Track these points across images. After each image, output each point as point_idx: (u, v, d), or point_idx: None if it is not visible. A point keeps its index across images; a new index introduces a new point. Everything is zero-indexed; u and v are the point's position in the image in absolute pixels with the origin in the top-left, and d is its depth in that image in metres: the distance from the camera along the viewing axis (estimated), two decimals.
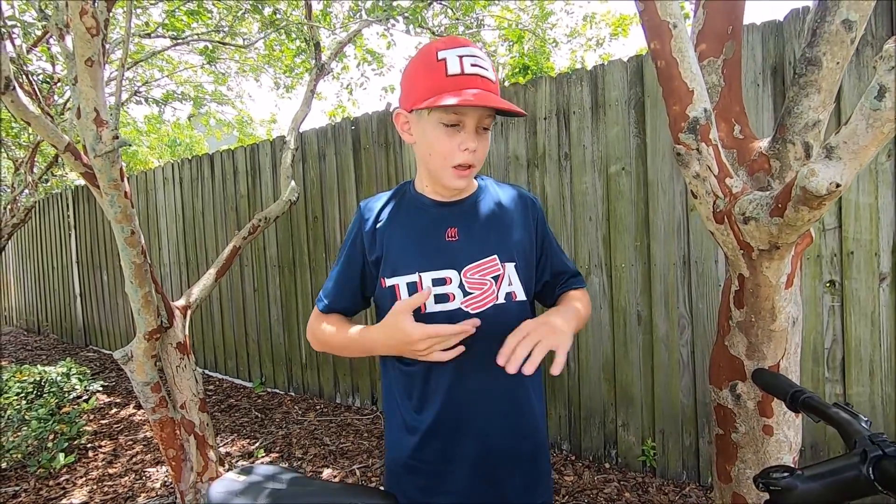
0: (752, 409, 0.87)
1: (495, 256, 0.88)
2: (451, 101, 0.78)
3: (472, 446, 0.87)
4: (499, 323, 0.85)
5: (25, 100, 1.57)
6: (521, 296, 0.90)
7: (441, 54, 0.82)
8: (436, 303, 0.86)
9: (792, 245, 0.70)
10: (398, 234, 0.91)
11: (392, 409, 0.95)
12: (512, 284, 0.89)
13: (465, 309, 0.86)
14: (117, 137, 1.61)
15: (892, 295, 1.79)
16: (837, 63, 0.82)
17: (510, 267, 0.89)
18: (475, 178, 0.99)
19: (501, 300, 0.88)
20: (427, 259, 0.88)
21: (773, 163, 0.87)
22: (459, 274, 0.87)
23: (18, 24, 2.92)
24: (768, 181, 0.88)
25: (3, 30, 1.67)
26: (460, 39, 0.85)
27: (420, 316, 0.86)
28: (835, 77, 0.83)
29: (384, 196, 0.99)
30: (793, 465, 0.90)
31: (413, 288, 0.87)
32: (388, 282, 0.90)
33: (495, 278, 0.88)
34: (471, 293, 0.87)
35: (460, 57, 0.81)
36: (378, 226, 0.93)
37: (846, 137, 0.55)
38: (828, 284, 1.88)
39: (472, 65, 0.81)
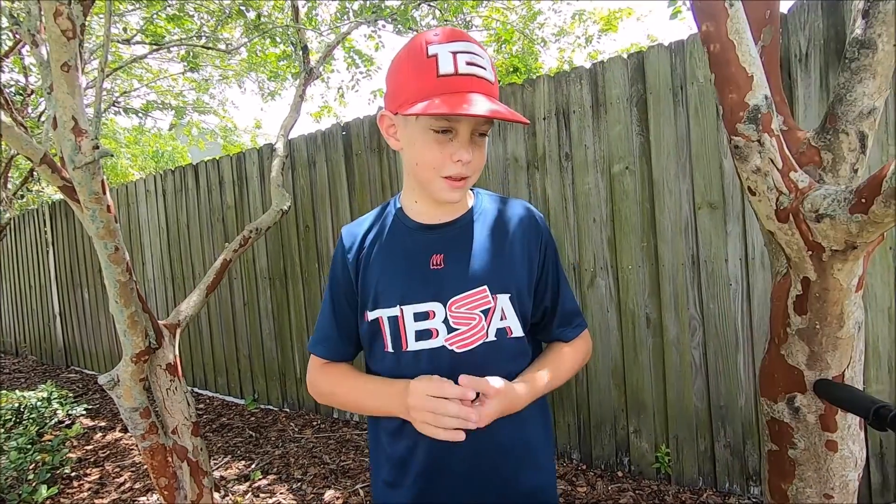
0: (814, 424, 0.80)
1: (485, 287, 0.77)
2: (441, 109, 0.66)
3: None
4: (489, 363, 0.76)
5: None
6: (517, 332, 0.79)
7: (432, 49, 0.70)
8: (417, 339, 0.76)
9: (868, 244, 0.63)
10: (380, 262, 0.81)
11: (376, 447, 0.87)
12: (506, 319, 0.78)
13: (450, 347, 0.76)
14: (98, 147, 1.50)
15: None
16: (894, 45, 0.76)
17: (503, 299, 0.78)
18: (472, 190, 0.89)
19: (492, 337, 0.77)
20: (409, 290, 0.77)
21: (823, 155, 0.81)
22: (444, 307, 0.76)
23: None
24: (819, 175, 0.81)
25: None
26: (454, 31, 0.73)
27: (402, 354, 0.78)
28: (891, 61, 0.77)
29: (367, 219, 0.89)
30: (857, 484, 0.83)
31: (395, 322, 0.77)
32: (371, 315, 0.80)
33: (485, 312, 0.77)
34: (456, 329, 0.76)
35: (454, 53, 0.69)
36: (361, 253, 0.83)
37: None
38: None
39: (468, 63, 0.69)
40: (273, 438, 3.03)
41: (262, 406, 3.60)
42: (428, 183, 0.77)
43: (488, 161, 2.52)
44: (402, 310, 0.77)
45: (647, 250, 2.17)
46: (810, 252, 0.67)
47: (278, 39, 3.52)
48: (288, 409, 3.48)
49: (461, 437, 0.67)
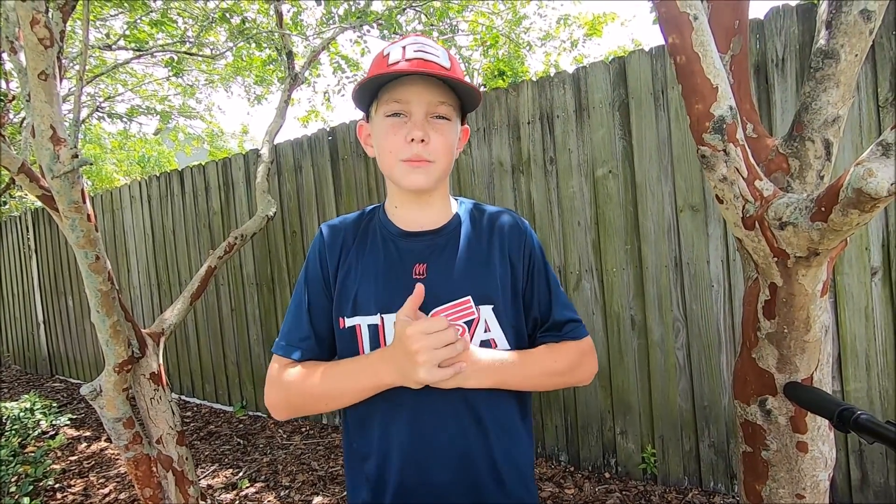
0: (785, 425, 0.81)
1: (469, 298, 0.76)
2: (374, 73, 0.73)
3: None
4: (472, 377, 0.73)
5: None
6: (502, 344, 0.77)
7: (386, 50, 0.77)
8: None
9: (831, 251, 0.65)
10: (360, 268, 0.80)
11: (349, 456, 0.82)
12: (489, 331, 0.76)
13: None
14: (77, 157, 1.48)
15: (884, 289, 1.79)
16: (856, 55, 0.78)
17: (486, 310, 0.76)
18: (456, 200, 0.88)
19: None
20: (390, 298, 0.75)
21: (791, 162, 0.83)
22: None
23: None
24: (787, 181, 0.83)
25: None
26: (411, 35, 0.80)
27: None
28: (853, 70, 0.79)
29: (349, 219, 0.87)
30: (829, 484, 0.85)
31: (374, 331, 0.75)
32: (348, 322, 0.77)
33: (468, 323, 0.76)
34: None
35: (403, 47, 0.75)
36: (341, 253, 0.82)
37: None
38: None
39: (416, 51, 0.74)
40: (261, 445, 3.01)
41: (251, 413, 3.58)
42: (391, 170, 0.78)
43: (474, 165, 2.53)
44: (382, 318, 0.76)
45: (631, 252, 2.19)
46: (776, 258, 0.68)
47: (264, 44, 3.51)
48: None
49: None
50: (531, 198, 2.40)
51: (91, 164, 1.52)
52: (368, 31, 3.12)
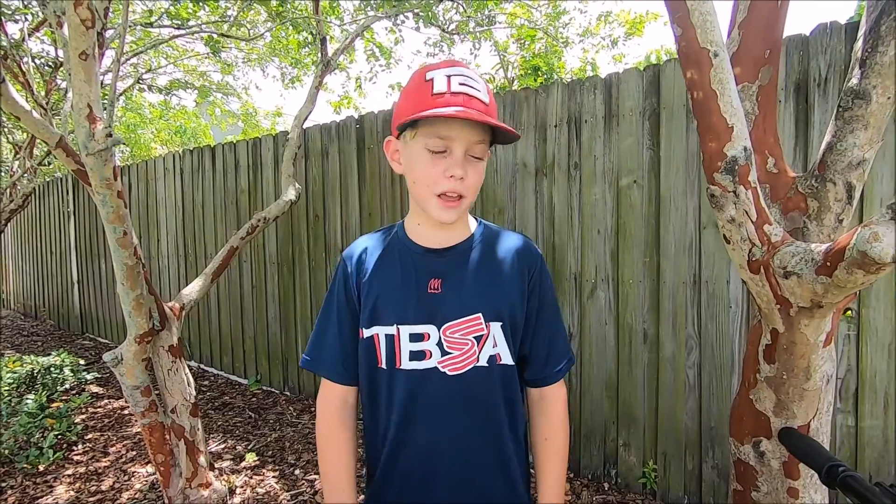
0: (777, 469, 0.80)
1: (479, 315, 0.80)
2: (430, 113, 0.72)
3: None
4: (478, 387, 0.80)
5: (16, 94, 1.50)
6: (506, 359, 0.82)
7: (429, 75, 0.77)
8: (410, 360, 0.80)
9: (836, 304, 0.63)
10: (380, 281, 0.84)
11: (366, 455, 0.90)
12: (497, 346, 0.81)
13: (442, 369, 0.79)
14: (111, 135, 1.54)
15: None
16: (889, 98, 0.75)
17: (496, 327, 0.81)
18: (476, 220, 0.91)
19: (483, 363, 0.80)
20: (407, 311, 0.81)
21: (810, 202, 0.80)
22: (439, 331, 0.80)
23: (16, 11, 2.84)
24: (804, 222, 0.81)
25: None
26: (454, 61, 0.80)
27: (395, 371, 0.80)
28: (885, 113, 0.76)
29: (371, 237, 0.91)
30: None
31: (391, 340, 0.80)
32: (367, 332, 0.82)
33: (478, 338, 0.80)
34: (449, 353, 0.80)
35: (448, 76, 0.75)
36: (363, 271, 0.86)
37: None
38: (844, 312, 1.81)
39: (461, 83, 0.75)
40: (271, 421, 3.10)
41: (265, 387, 3.69)
42: (424, 202, 0.81)
43: (498, 165, 2.52)
44: (398, 329, 0.80)
45: (649, 265, 2.15)
46: (779, 305, 0.67)
47: (301, 28, 3.53)
48: (288, 393, 3.56)
49: None
50: (552, 202, 2.37)
51: (124, 143, 1.58)
52: (403, 21, 3.11)
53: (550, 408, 0.88)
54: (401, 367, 0.80)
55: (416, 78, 0.79)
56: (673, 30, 0.67)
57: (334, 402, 0.87)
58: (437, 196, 0.78)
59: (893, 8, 0.73)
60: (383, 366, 0.82)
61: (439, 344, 0.79)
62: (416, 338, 0.80)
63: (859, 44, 0.77)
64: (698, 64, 0.65)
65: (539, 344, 0.87)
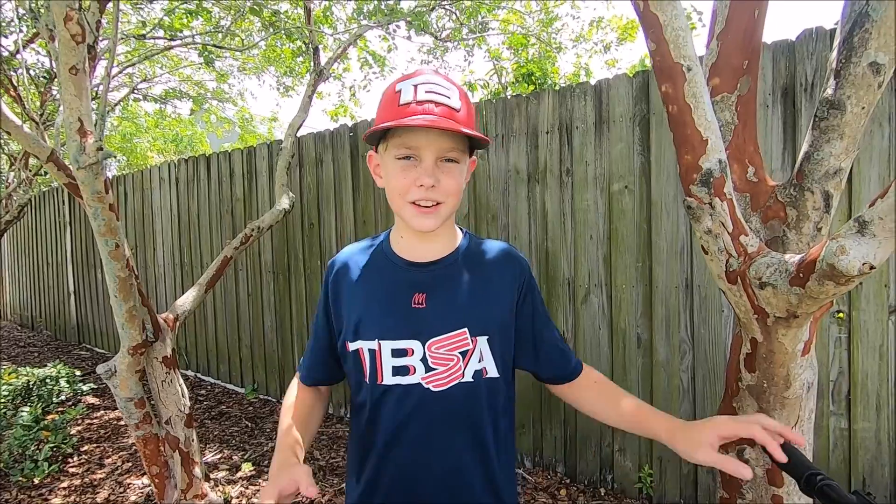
0: (761, 477, 0.81)
1: (465, 330, 0.79)
2: (388, 123, 0.73)
3: None
4: (462, 403, 0.79)
5: (6, 109, 1.51)
6: (492, 372, 0.81)
7: (398, 86, 0.77)
8: (394, 375, 0.79)
9: (811, 314, 0.64)
10: (363, 294, 0.84)
11: (349, 468, 0.90)
12: (483, 360, 0.80)
13: (426, 385, 0.78)
14: (101, 149, 1.55)
15: None
16: (863, 108, 0.75)
17: (482, 341, 0.80)
18: (462, 231, 0.91)
19: (469, 378, 0.79)
20: (389, 326, 0.80)
21: (789, 211, 0.81)
22: (423, 347, 0.78)
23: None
24: (783, 230, 0.82)
25: None
26: (423, 70, 0.80)
27: (377, 387, 0.80)
28: (859, 122, 0.76)
29: (357, 248, 0.91)
30: None
31: (373, 356, 0.80)
32: (352, 346, 0.82)
33: (463, 353, 0.79)
34: (434, 368, 0.79)
35: (415, 86, 0.75)
36: (346, 283, 0.86)
37: (883, 213, 0.48)
38: (835, 315, 1.82)
39: (427, 91, 0.74)
40: (268, 430, 3.10)
41: (261, 396, 3.68)
42: (400, 210, 0.80)
43: (490, 171, 2.53)
44: (380, 344, 0.80)
45: (641, 270, 2.16)
46: (756, 315, 0.68)
47: (295, 37, 3.55)
48: None
49: None
50: (545, 207, 2.38)
51: (114, 156, 1.59)
52: (396, 28, 3.12)
53: (585, 376, 0.89)
54: (383, 383, 0.79)
55: (387, 91, 0.79)
56: (647, 45, 0.68)
57: (296, 388, 0.92)
58: (411, 204, 0.78)
59: (866, 20, 0.74)
60: (367, 381, 0.81)
61: (423, 359, 0.79)
62: (398, 353, 0.79)
63: (834, 54, 0.78)
64: (672, 78, 0.66)
65: (549, 346, 0.88)
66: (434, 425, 0.78)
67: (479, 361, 0.81)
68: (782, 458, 0.63)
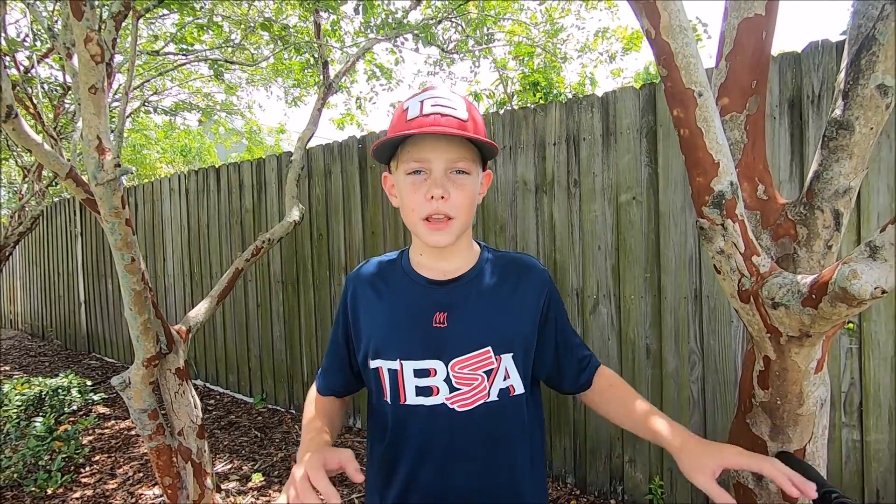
0: (776, 493, 0.81)
1: (489, 348, 0.78)
2: (394, 134, 0.74)
3: None
4: (489, 423, 0.78)
5: (27, 128, 1.55)
6: (518, 389, 0.81)
7: (406, 104, 0.79)
8: (417, 395, 0.78)
9: (824, 333, 0.65)
10: (383, 313, 0.83)
11: (369, 488, 0.89)
12: (508, 378, 0.80)
13: (451, 405, 0.78)
14: (119, 165, 1.58)
15: None
16: (871, 128, 0.77)
17: (507, 358, 0.79)
18: (479, 246, 0.90)
19: (494, 397, 0.79)
20: (411, 346, 0.79)
21: (799, 229, 0.82)
22: (446, 366, 0.77)
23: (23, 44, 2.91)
24: (794, 248, 0.83)
25: (4, 55, 1.66)
26: (430, 87, 0.81)
27: (399, 407, 0.79)
28: (868, 143, 0.78)
29: (376, 263, 0.91)
30: None
31: (394, 376, 0.79)
32: (373, 364, 0.82)
33: (488, 372, 0.78)
34: (458, 388, 0.78)
35: (422, 101, 0.77)
36: (365, 300, 0.86)
37: (894, 238, 0.50)
38: (846, 325, 1.81)
39: (433, 105, 0.76)
40: (277, 440, 3.11)
41: (270, 406, 3.70)
42: (414, 228, 0.81)
43: (498, 182, 2.55)
44: (402, 364, 0.79)
45: (650, 281, 2.17)
46: (769, 334, 0.69)
47: (303, 50, 3.61)
48: (294, 411, 3.56)
49: None
50: (553, 219, 2.40)
51: (132, 172, 1.62)
52: (404, 41, 3.17)
53: (600, 376, 0.91)
54: (406, 403, 0.79)
55: (397, 110, 0.81)
56: (659, 71, 0.70)
57: (315, 394, 0.93)
58: (424, 220, 0.77)
59: (873, 43, 0.76)
60: (388, 400, 0.81)
61: (447, 380, 0.78)
62: (421, 373, 0.78)
63: (841, 76, 0.80)
64: (683, 103, 0.68)
65: (570, 361, 0.89)
66: (460, 446, 0.77)
67: (505, 379, 0.80)
68: (794, 492, 0.64)
